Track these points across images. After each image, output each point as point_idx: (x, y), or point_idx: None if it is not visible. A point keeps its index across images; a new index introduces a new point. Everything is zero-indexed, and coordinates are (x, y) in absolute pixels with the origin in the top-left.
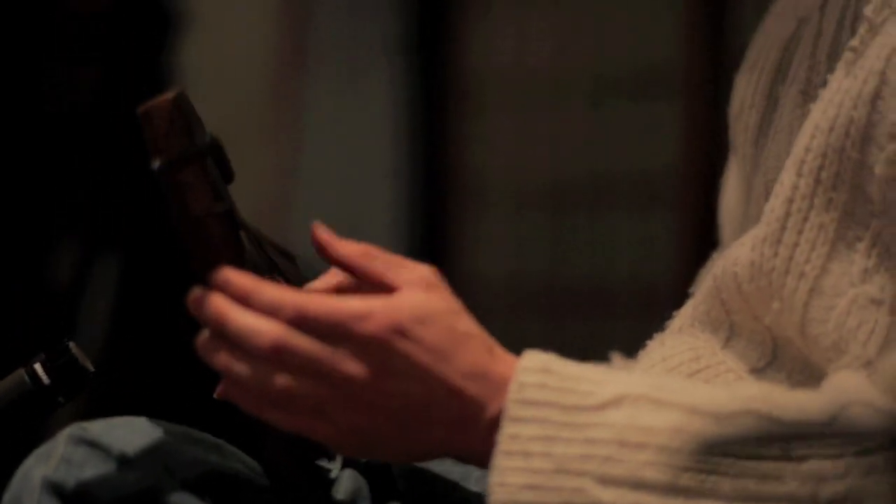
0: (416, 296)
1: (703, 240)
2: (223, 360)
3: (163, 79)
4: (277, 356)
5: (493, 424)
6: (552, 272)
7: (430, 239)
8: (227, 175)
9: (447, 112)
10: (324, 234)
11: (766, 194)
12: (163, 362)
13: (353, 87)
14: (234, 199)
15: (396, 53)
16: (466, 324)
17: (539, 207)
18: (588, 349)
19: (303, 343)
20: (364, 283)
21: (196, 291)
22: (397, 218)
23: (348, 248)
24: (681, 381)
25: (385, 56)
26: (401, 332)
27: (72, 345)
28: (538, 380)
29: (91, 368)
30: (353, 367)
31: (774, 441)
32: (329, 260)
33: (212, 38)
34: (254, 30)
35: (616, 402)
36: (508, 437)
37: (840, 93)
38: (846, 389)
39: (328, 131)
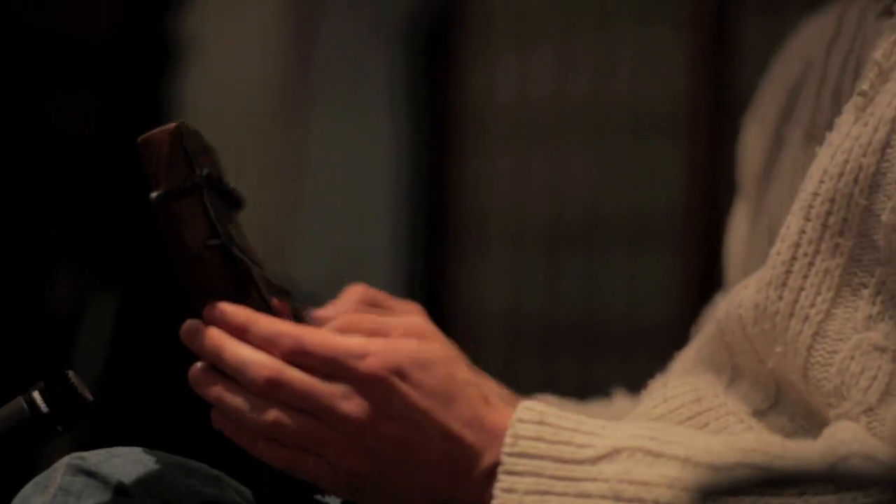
0: (414, 341)
1: (701, 281)
2: (216, 392)
3: (165, 107)
4: (272, 390)
5: (488, 474)
6: (550, 310)
7: (428, 274)
8: (236, 203)
9: (448, 149)
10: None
11: (770, 236)
12: (162, 393)
13: (355, 123)
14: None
15: (397, 90)
16: (465, 372)
17: (538, 245)
18: (584, 388)
19: (298, 378)
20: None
21: (189, 323)
22: (397, 253)
23: (335, 322)
24: (677, 430)
25: (386, 93)
26: (400, 373)
27: (71, 374)
28: (534, 432)
29: (90, 397)
30: (348, 405)
31: (772, 494)
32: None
33: (215, 67)
34: (257, 61)
35: (611, 454)
36: (504, 491)
37: (850, 139)
38: (845, 440)
39: (329, 167)
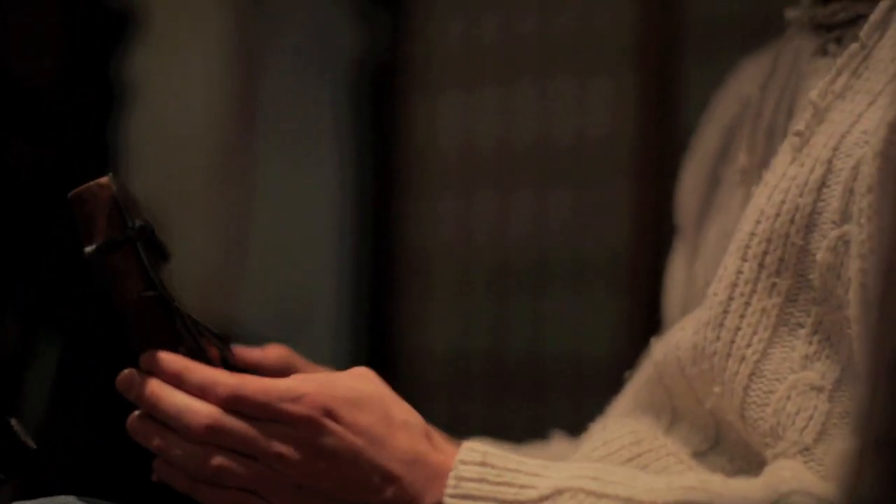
0: (350, 381)
1: (645, 322)
2: (156, 440)
3: (109, 152)
4: (212, 436)
5: None
6: (495, 352)
7: (375, 315)
8: (164, 255)
9: (393, 192)
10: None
11: (706, 275)
12: (104, 441)
13: (300, 167)
14: (179, 272)
15: (342, 134)
16: (403, 411)
17: (483, 287)
18: (529, 427)
19: (236, 424)
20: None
21: (125, 373)
22: (343, 295)
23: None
24: (619, 470)
25: (331, 136)
26: (331, 413)
27: (14, 422)
28: (476, 473)
29: (33, 446)
30: (283, 446)
31: None
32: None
33: (160, 111)
34: (202, 106)
35: (553, 495)
36: None
37: (787, 179)
38: (785, 478)
39: (275, 210)
